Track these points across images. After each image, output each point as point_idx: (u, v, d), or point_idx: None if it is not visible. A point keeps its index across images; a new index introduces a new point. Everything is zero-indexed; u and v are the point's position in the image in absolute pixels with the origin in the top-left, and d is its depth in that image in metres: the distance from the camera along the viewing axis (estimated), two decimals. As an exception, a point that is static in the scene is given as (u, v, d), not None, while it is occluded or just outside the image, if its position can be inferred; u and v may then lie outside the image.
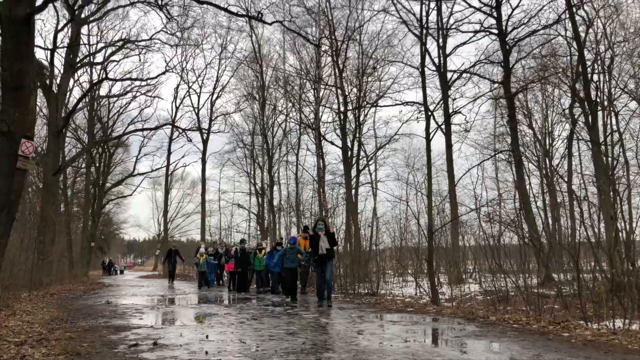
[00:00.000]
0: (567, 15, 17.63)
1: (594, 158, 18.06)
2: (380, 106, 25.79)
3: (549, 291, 10.57)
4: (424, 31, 19.02)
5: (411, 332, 6.93)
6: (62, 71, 22.02)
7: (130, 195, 42.20)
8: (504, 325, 7.28)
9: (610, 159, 19.91)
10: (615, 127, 21.06)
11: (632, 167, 21.05)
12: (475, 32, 20.14)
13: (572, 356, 4.81)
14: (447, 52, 21.11)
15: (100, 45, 27.80)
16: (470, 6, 19.73)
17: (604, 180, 16.52)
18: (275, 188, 30.06)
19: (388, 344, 5.68)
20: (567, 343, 5.76)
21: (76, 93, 32.17)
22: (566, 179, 22.21)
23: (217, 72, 34.11)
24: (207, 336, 6.17)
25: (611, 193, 15.27)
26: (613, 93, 20.92)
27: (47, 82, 19.70)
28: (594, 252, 10.12)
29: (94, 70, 31.58)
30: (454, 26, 20.82)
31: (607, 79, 20.36)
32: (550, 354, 5.16)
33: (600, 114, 19.81)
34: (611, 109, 20.55)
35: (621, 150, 20.91)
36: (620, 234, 11.60)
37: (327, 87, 26.01)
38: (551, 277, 11.78)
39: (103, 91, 33.90)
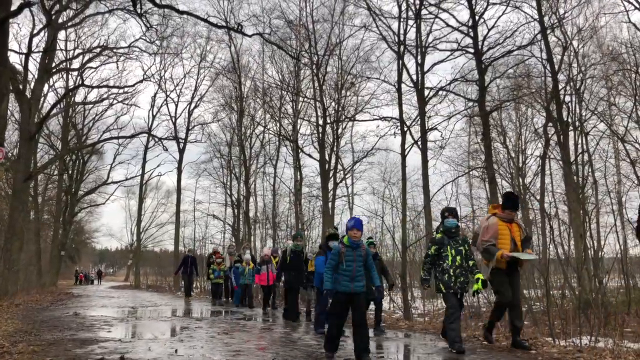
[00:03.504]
0: (541, 37, 18.13)
1: (565, 177, 18.49)
2: (358, 120, 25.99)
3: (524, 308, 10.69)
4: (402, 48, 19.29)
5: (384, 347, 6.94)
6: (36, 76, 21.63)
7: (103, 203, 41.46)
8: (474, 342, 7.33)
9: (580, 178, 20.41)
10: (585, 148, 21.60)
11: (600, 187, 21.59)
12: (453, 50, 20.51)
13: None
14: (425, 69, 21.43)
15: (78, 51, 27.46)
16: (448, 25, 20.10)
17: (574, 199, 16.92)
18: (252, 199, 29.93)
19: (359, 360, 5.66)
20: (534, 360, 5.83)
21: (51, 99, 31.58)
22: (538, 197, 22.65)
23: (196, 82, 33.90)
24: (176, 350, 6.07)
25: (580, 212, 15.64)
26: (584, 114, 21.49)
27: (20, 86, 19.32)
28: (563, 270, 10.33)
29: (70, 76, 31.11)
30: (432, 44, 21.15)
31: (579, 101, 20.91)
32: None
33: (571, 134, 20.32)
34: (582, 129, 21.09)
35: (590, 170, 21.45)
36: (588, 251, 11.89)
37: (306, 99, 26.12)
38: (522, 294, 11.95)
39: (79, 98, 33.37)
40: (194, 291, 19.43)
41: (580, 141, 21.67)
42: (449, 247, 6.49)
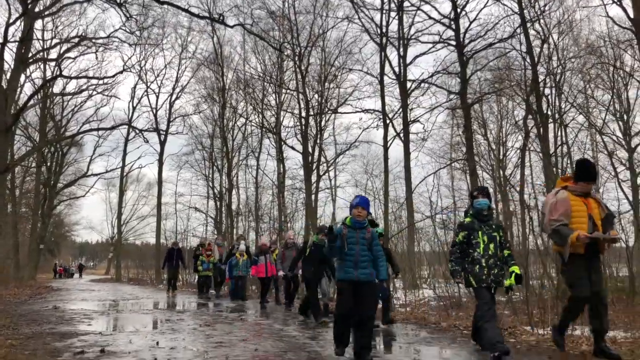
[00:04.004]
0: (522, 30, 18.31)
1: (545, 169, 18.77)
2: (341, 113, 26.00)
3: (499, 297, 10.86)
4: (385, 40, 19.32)
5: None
6: (12, 66, 21.17)
7: (83, 196, 40.87)
8: (455, 331, 7.43)
9: (559, 170, 20.72)
10: (564, 140, 21.92)
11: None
12: (435, 43, 20.62)
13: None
14: (408, 61, 21.50)
15: (55, 41, 26.89)
16: (430, 17, 20.19)
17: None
18: (234, 192, 29.79)
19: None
20: (512, 349, 5.93)
21: (28, 90, 31.01)
22: (518, 189, 22.94)
23: (177, 73, 33.50)
24: (157, 343, 6.04)
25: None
26: (563, 107, 21.80)
27: (-4, 77, 18.90)
28: (542, 260, 10.50)
29: (47, 66, 30.53)
30: (414, 36, 21.25)
31: (558, 93, 21.19)
32: (497, 360, 5.30)
33: (551, 126, 20.60)
34: (561, 122, 21.39)
35: (569, 162, 21.78)
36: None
37: (288, 91, 26.02)
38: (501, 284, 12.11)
39: (57, 89, 32.77)
40: (178, 284, 18.85)
41: (559, 133, 21.98)
42: (480, 232, 5.51)
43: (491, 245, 5.47)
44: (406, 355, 5.79)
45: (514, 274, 5.40)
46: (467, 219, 5.65)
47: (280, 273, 11.65)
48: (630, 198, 20.66)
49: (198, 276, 16.41)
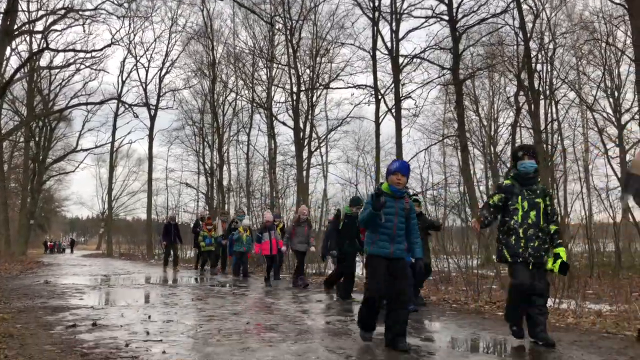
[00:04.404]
0: (515, 5, 18.16)
1: (535, 145, 18.84)
2: (333, 88, 25.83)
3: (488, 272, 11.02)
4: (377, 14, 19.08)
5: (356, 311, 7.07)
6: (-3, 39, 20.72)
7: (73, 171, 40.71)
8: (444, 305, 7.55)
9: (549, 146, 20.84)
10: (555, 116, 21.99)
11: (568, 155, 22.11)
12: (427, 17, 20.42)
13: (504, 333, 5.05)
14: (400, 36, 21.30)
15: (41, 12, 26.27)
16: (423, -9, 19.95)
17: (542, 167, 17.29)
18: (225, 168, 29.71)
19: (332, 324, 5.78)
20: (500, 321, 6.02)
21: (14, 63, 30.40)
22: (508, 165, 23.06)
23: (167, 47, 33.01)
24: (149, 316, 6.08)
25: (549, 179, 16.03)
26: (554, 83, 21.80)
27: (-19, 49, 18.52)
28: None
29: (33, 39, 29.91)
30: (406, 11, 21.00)
31: (550, 69, 21.17)
32: (484, 332, 5.41)
33: (542, 103, 20.63)
34: (552, 98, 21.41)
35: (559, 138, 21.90)
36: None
37: (280, 66, 25.75)
38: (491, 259, 12.28)
39: (44, 62, 32.22)
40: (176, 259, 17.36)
41: (550, 110, 22.04)
42: (519, 197, 4.58)
43: (532, 213, 4.56)
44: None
45: (559, 261, 4.51)
46: (507, 181, 4.79)
47: (283, 248, 11.29)
48: (619, 174, 20.90)
49: (200, 251, 15.65)
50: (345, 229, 8.19)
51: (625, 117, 22.09)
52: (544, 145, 19.54)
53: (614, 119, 22.36)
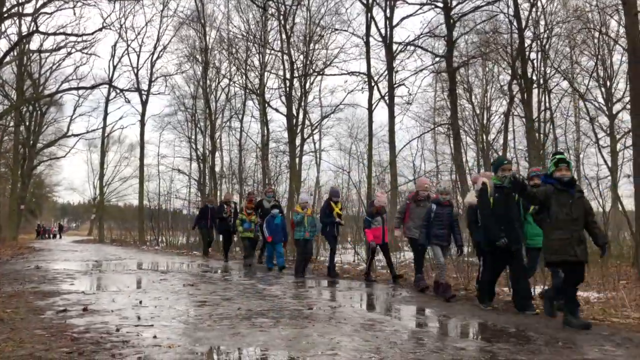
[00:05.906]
0: (510, -7, 18.07)
1: (527, 134, 18.90)
2: (327, 75, 25.70)
3: (478, 260, 11.08)
4: (371, 0, 18.91)
5: (347, 297, 7.12)
6: (-15, 21, 20.40)
7: (64, 156, 40.29)
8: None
9: (542, 135, 20.91)
10: (547, 105, 22.02)
11: (560, 144, 22.19)
12: (422, 4, 20.28)
13: (492, 319, 5.12)
14: (394, 23, 21.18)
15: (30, -6, 25.82)
16: (418, -22, 19.79)
17: (535, 156, 17.39)
18: (217, 154, 29.55)
19: (322, 309, 5.81)
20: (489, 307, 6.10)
21: (3, 46, 29.99)
22: (500, 154, 23.13)
23: (158, 31, 32.57)
24: (140, 302, 6.08)
25: (541, 168, 16.09)
26: (548, 72, 21.79)
27: (-31, 32, 18.21)
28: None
29: (23, 22, 29.41)
30: (401, -3, 20.85)
31: (544, 58, 21.14)
32: (473, 318, 5.47)
33: (535, 91, 20.64)
34: (545, 87, 21.43)
35: (552, 127, 21.96)
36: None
37: (273, 52, 25.55)
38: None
39: (34, 45, 31.71)
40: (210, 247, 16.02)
41: (543, 99, 22.05)
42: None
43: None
44: (387, 313, 5.92)
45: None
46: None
47: (398, 232, 8.55)
48: (610, 164, 21.04)
49: (241, 237, 13.22)
50: (497, 205, 6.02)
51: (617, 107, 22.18)
52: (536, 134, 19.59)
53: (605, 109, 22.45)
